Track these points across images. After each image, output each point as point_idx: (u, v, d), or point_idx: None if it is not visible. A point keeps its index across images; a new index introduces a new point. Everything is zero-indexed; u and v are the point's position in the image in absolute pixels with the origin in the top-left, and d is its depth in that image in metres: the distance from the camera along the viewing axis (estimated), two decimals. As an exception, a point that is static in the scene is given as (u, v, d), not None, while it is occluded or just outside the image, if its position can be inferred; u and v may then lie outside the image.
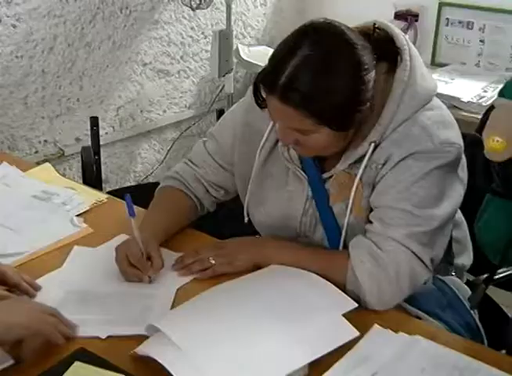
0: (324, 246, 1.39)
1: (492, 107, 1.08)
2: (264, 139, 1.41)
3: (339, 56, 1.19)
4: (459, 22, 2.85)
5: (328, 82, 1.18)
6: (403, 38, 1.30)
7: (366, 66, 1.21)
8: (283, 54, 1.20)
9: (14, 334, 1.06)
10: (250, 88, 1.40)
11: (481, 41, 2.82)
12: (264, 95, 1.25)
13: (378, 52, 1.26)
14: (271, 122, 1.37)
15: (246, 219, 1.50)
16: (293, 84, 1.17)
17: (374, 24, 1.30)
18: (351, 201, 1.31)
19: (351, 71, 1.20)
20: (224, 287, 1.26)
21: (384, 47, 1.28)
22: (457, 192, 1.32)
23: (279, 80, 1.18)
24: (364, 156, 1.29)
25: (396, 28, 1.32)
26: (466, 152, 1.35)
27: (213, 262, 1.34)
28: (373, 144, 1.28)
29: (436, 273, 1.39)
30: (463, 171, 1.35)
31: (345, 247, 1.33)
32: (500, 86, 2.62)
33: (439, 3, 2.87)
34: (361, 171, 1.30)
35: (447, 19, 2.87)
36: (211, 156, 1.52)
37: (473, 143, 1.30)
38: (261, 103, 1.27)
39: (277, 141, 1.39)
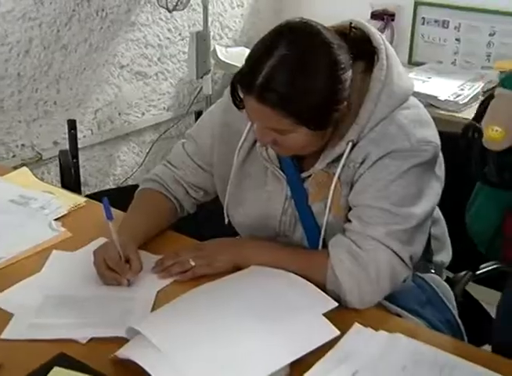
0: (303, 245, 1.39)
1: (489, 97, 1.10)
2: (242, 139, 1.41)
3: (315, 55, 1.20)
4: (435, 21, 2.86)
5: (305, 82, 1.18)
6: (380, 38, 1.30)
7: (343, 66, 1.21)
8: (259, 54, 1.21)
9: None
10: (228, 88, 1.39)
11: (456, 39, 2.85)
12: (241, 95, 1.25)
13: (355, 51, 1.26)
14: (249, 122, 1.37)
15: (226, 220, 1.50)
16: (270, 84, 1.18)
17: (350, 23, 1.31)
18: (329, 200, 1.32)
19: (328, 71, 1.20)
20: (204, 289, 1.25)
21: (361, 46, 1.29)
22: (435, 190, 1.33)
23: (256, 80, 1.18)
24: (342, 155, 1.30)
25: (372, 27, 1.33)
26: (444, 149, 1.36)
27: (193, 263, 1.34)
28: (350, 143, 1.29)
29: (415, 271, 1.40)
30: (440, 170, 1.36)
31: (325, 246, 1.33)
32: (476, 84, 2.66)
33: (415, 2, 2.89)
34: (339, 170, 1.30)
35: (423, 18, 2.89)
36: (190, 157, 1.52)
37: (450, 140, 1.32)
38: (238, 103, 1.27)
39: (255, 141, 1.39)
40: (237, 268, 1.34)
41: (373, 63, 1.29)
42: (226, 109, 1.44)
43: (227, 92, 1.42)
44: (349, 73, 1.23)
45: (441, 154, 1.36)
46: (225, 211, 1.49)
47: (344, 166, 1.30)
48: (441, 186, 1.37)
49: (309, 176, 1.36)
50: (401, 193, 1.27)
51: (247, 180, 1.43)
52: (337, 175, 1.31)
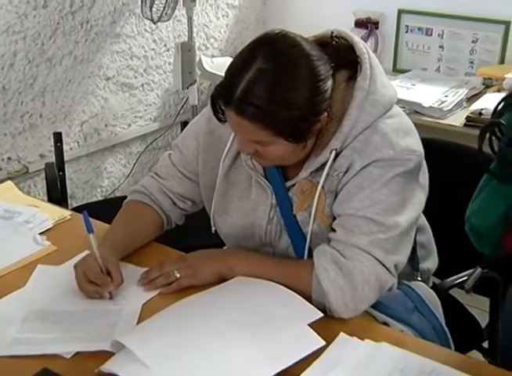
0: (289, 254, 1.39)
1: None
2: (227, 148, 1.41)
3: (293, 67, 1.20)
4: (419, 29, 2.89)
5: (283, 95, 1.19)
6: (363, 47, 1.31)
7: (322, 76, 1.22)
8: (238, 68, 1.21)
9: None
10: None
11: (440, 46, 2.87)
12: (223, 107, 1.25)
13: (338, 60, 1.27)
14: (233, 132, 1.37)
15: (213, 229, 1.50)
16: (247, 97, 1.18)
17: (332, 33, 1.31)
18: (313, 210, 1.32)
19: (307, 83, 1.20)
20: (188, 301, 1.25)
21: (344, 55, 1.29)
22: (419, 198, 1.33)
23: (235, 94, 1.19)
24: (325, 164, 1.30)
25: (355, 36, 1.34)
26: (429, 156, 1.36)
27: (178, 275, 1.34)
28: (334, 152, 1.29)
29: (401, 279, 1.40)
30: (424, 178, 1.36)
31: (310, 254, 1.33)
32: (460, 91, 2.67)
33: (398, 10, 2.90)
34: (323, 179, 1.30)
35: (407, 26, 2.91)
36: (176, 167, 1.52)
37: (434, 147, 1.32)
38: (220, 115, 1.27)
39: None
40: (222, 279, 1.33)
41: (357, 71, 1.29)
42: (210, 117, 1.43)
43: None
44: (329, 83, 1.24)
45: (424, 162, 1.36)
46: (211, 220, 1.49)
47: (327, 175, 1.30)
48: (426, 194, 1.37)
49: (294, 185, 1.36)
50: (385, 202, 1.27)
51: (233, 189, 1.43)
52: (320, 184, 1.31)
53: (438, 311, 1.44)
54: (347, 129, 1.28)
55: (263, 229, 1.40)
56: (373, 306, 1.32)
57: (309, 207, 1.33)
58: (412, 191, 1.31)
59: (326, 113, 1.25)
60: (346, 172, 1.30)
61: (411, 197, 1.31)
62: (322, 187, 1.31)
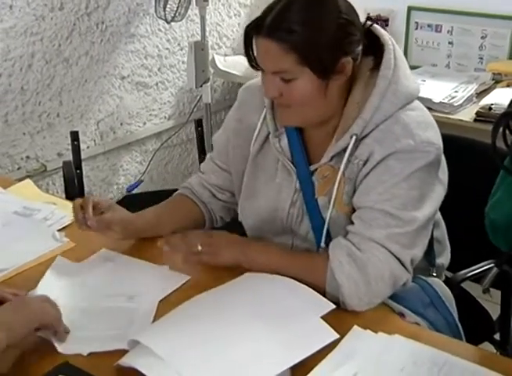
0: (309, 239, 1.41)
1: None
2: (256, 131, 1.45)
3: (325, 1, 1.26)
4: (428, 25, 2.90)
5: (312, 20, 1.24)
6: (388, 39, 1.34)
7: (349, 19, 1.26)
8: (271, 4, 1.27)
9: (19, 332, 1.06)
10: (242, 87, 1.50)
11: (449, 43, 2.88)
12: (255, 49, 1.29)
13: (366, 42, 1.31)
14: (262, 115, 1.43)
15: (239, 217, 1.53)
16: (278, 21, 1.24)
17: (368, 14, 1.36)
18: (334, 195, 1.34)
19: (336, 18, 1.25)
20: (201, 298, 1.25)
21: (372, 40, 1.33)
22: (437, 193, 1.34)
23: (266, 21, 1.25)
24: (346, 149, 1.32)
25: (382, 29, 1.37)
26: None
27: (200, 248, 1.35)
28: (354, 137, 1.31)
29: (417, 273, 1.40)
30: (443, 174, 1.38)
31: (328, 240, 1.35)
32: (470, 86, 2.67)
33: (408, 7, 2.91)
34: (343, 164, 1.32)
35: (416, 22, 2.92)
36: (212, 160, 1.59)
37: (445, 142, 1.34)
38: (253, 61, 1.31)
39: (269, 134, 1.43)
40: (239, 265, 1.34)
41: (381, 61, 1.32)
42: (239, 105, 1.51)
43: (241, 90, 1.51)
44: (356, 36, 1.28)
45: (444, 159, 1.37)
46: (238, 208, 1.52)
47: (348, 162, 1.32)
48: (444, 190, 1.38)
49: (316, 170, 1.38)
50: (404, 197, 1.28)
51: (260, 172, 1.47)
52: (341, 170, 1.33)
53: (453, 307, 1.44)
54: (368, 115, 1.30)
55: (285, 211, 1.42)
56: (390, 297, 1.32)
57: (329, 193, 1.35)
58: (431, 186, 1.32)
59: (350, 61, 1.28)
60: (366, 162, 1.31)
61: (430, 191, 1.31)
62: (343, 173, 1.33)
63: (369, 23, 1.34)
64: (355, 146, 1.32)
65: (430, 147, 1.30)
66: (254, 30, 1.28)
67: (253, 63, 1.32)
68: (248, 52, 1.31)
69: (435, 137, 1.32)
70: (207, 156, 1.63)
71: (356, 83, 1.33)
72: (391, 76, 1.31)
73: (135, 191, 2.94)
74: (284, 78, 1.27)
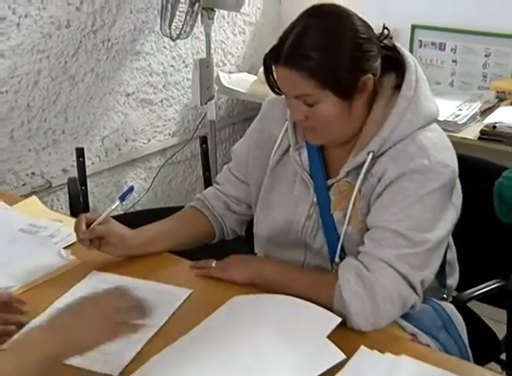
0: (323, 254, 1.42)
1: None
2: (277, 142, 1.47)
3: (341, 22, 1.27)
4: (432, 43, 2.91)
5: (328, 44, 1.25)
6: (411, 60, 1.35)
7: (365, 37, 1.27)
8: (287, 29, 1.29)
9: (82, 352, 1.02)
10: (266, 100, 1.52)
11: (453, 61, 2.89)
12: (275, 75, 1.31)
13: (387, 61, 1.33)
14: (283, 127, 1.44)
15: (254, 230, 1.54)
16: (295, 49, 1.25)
17: (384, 25, 1.37)
18: (349, 211, 1.35)
19: (351, 37, 1.26)
20: (205, 326, 1.25)
21: (394, 55, 1.35)
22: (450, 215, 1.34)
23: (284, 48, 1.26)
24: (363, 165, 1.33)
25: (405, 50, 1.39)
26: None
27: (213, 264, 1.42)
28: (371, 154, 1.31)
29: (428, 295, 1.39)
30: (457, 199, 1.38)
31: (343, 256, 1.36)
32: (474, 105, 2.68)
33: (412, 26, 2.93)
34: (359, 181, 1.33)
35: (420, 41, 2.94)
36: (231, 171, 1.60)
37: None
38: (271, 79, 1.33)
39: (289, 146, 1.45)
40: (251, 282, 1.38)
41: (403, 81, 1.33)
42: (261, 116, 1.53)
43: (265, 103, 1.54)
44: (373, 51, 1.29)
45: (459, 183, 1.37)
46: (254, 219, 1.54)
47: (364, 178, 1.33)
48: (458, 214, 1.38)
49: (333, 184, 1.39)
50: (418, 218, 1.28)
51: (278, 184, 1.48)
52: (357, 187, 1.33)
53: (464, 334, 1.43)
54: (387, 134, 1.31)
55: (301, 224, 1.43)
56: (403, 317, 1.32)
57: (345, 209, 1.36)
58: (445, 209, 1.31)
59: (371, 77, 1.29)
60: (380, 180, 1.32)
61: (444, 214, 1.31)
62: (359, 190, 1.34)
63: (386, 32, 1.36)
64: (372, 164, 1.33)
65: (444, 169, 1.30)
66: (272, 58, 1.29)
67: (275, 88, 1.34)
68: (268, 78, 1.33)
69: (450, 159, 1.32)
70: (224, 167, 1.63)
71: (377, 100, 1.34)
72: (411, 97, 1.31)
73: (137, 208, 2.94)
74: (307, 102, 1.29)
